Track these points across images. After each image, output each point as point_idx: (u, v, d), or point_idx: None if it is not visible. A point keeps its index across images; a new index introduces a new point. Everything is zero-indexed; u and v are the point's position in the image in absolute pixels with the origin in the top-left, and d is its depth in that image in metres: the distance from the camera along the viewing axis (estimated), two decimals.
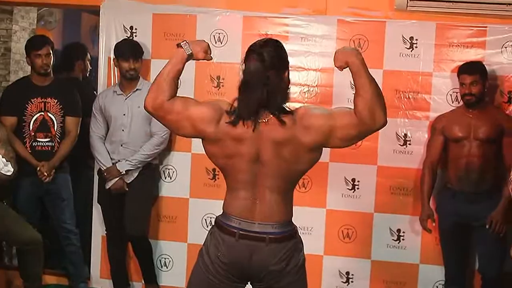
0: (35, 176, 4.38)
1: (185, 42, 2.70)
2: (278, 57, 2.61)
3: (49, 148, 4.46)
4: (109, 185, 4.36)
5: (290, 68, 2.68)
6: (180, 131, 2.71)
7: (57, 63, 4.68)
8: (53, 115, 4.46)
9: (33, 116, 4.44)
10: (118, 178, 4.34)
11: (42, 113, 4.44)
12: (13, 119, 4.42)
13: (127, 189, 4.37)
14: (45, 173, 4.36)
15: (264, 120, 2.56)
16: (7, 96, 4.57)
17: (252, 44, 2.67)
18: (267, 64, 2.56)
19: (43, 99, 4.44)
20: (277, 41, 2.69)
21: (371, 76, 2.55)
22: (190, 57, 2.70)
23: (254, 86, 2.56)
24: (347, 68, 2.58)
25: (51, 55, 4.48)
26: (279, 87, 2.58)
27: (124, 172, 4.32)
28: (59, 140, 4.48)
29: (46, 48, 4.44)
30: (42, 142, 4.44)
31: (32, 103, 4.43)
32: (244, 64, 2.63)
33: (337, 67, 2.61)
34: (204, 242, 2.75)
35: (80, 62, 5.36)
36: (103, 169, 4.37)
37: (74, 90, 4.65)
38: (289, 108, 2.61)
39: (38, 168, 4.35)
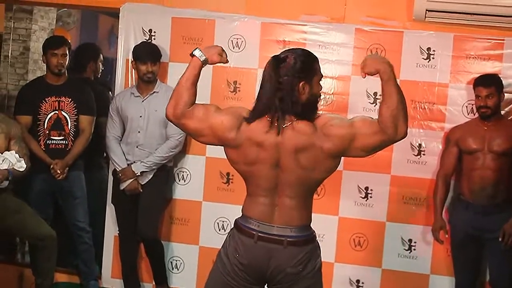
0: (48, 173, 4.44)
1: (197, 49, 2.73)
2: (299, 65, 2.61)
3: (63, 146, 4.50)
4: (123, 186, 4.40)
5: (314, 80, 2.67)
6: (200, 139, 2.75)
7: (70, 63, 4.70)
8: (67, 113, 4.50)
9: (47, 115, 4.49)
10: (132, 180, 4.37)
11: (56, 112, 4.49)
12: (28, 119, 4.48)
13: (141, 190, 4.40)
14: (58, 171, 4.40)
15: (286, 125, 2.58)
16: (22, 96, 4.62)
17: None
18: (284, 69, 2.59)
19: (57, 98, 4.49)
20: (303, 50, 2.73)
21: (399, 86, 2.57)
22: (205, 62, 2.73)
23: (268, 88, 2.61)
24: (371, 76, 2.59)
25: (67, 55, 4.52)
26: (293, 93, 2.58)
27: (139, 173, 4.36)
28: (73, 139, 4.52)
29: (63, 48, 4.49)
30: (56, 140, 4.48)
31: (47, 102, 4.48)
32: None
33: (366, 73, 2.62)
34: (223, 244, 2.78)
35: (92, 64, 5.39)
36: (118, 169, 4.41)
37: (88, 89, 4.70)
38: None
39: (51, 166, 4.40)
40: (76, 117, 4.54)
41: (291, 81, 2.58)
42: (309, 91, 2.62)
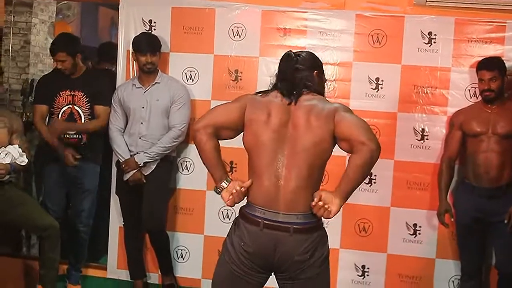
0: (62, 165, 4.45)
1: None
2: (308, 59, 2.87)
3: (76, 140, 4.49)
4: (127, 177, 4.40)
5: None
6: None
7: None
8: (79, 108, 4.48)
9: (61, 109, 4.48)
10: (136, 170, 4.38)
11: (70, 106, 4.48)
12: (45, 108, 4.51)
13: (144, 181, 4.41)
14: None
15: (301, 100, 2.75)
16: (41, 85, 4.65)
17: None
18: (298, 61, 2.83)
19: (71, 92, 4.47)
20: (311, 52, 3.00)
21: (357, 179, 2.67)
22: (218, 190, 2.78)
23: (285, 75, 2.82)
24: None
25: (66, 61, 4.42)
26: (308, 78, 2.81)
27: (142, 164, 4.36)
28: (86, 133, 4.52)
29: (60, 55, 4.42)
30: (69, 134, 4.48)
31: (61, 96, 4.47)
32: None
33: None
34: (228, 233, 2.78)
35: None
36: (121, 161, 4.41)
37: (104, 80, 4.68)
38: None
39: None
40: (90, 110, 4.51)
41: (307, 69, 2.83)
42: (320, 81, 2.87)
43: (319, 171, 2.73)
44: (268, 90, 2.83)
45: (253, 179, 2.72)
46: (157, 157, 4.39)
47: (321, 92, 2.86)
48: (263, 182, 2.68)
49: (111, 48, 5.28)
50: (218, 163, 2.73)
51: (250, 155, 2.75)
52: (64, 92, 4.48)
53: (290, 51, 2.91)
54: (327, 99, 2.89)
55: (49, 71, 4.96)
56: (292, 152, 2.65)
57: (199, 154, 2.76)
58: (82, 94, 4.49)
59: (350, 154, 2.67)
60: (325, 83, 2.98)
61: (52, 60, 5.15)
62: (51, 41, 4.94)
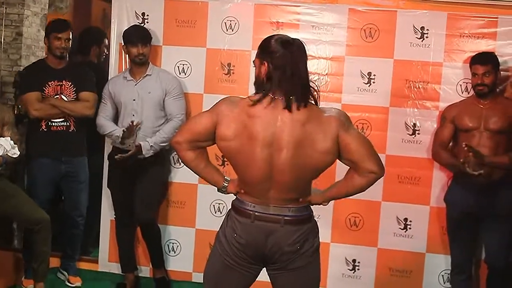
0: (52, 157, 4.44)
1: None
2: (304, 48, 2.61)
3: (64, 128, 4.48)
4: (126, 144, 4.26)
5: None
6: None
7: (73, 47, 4.67)
8: (67, 97, 4.46)
9: (49, 99, 4.46)
10: (135, 150, 4.27)
11: (58, 96, 4.47)
12: (38, 93, 4.43)
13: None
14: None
15: (282, 99, 2.54)
16: (27, 75, 4.61)
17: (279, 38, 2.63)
18: (293, 53, 2.56)
19: (59, 82, 4.46)
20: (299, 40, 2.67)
21: (340, 194, 2.77)
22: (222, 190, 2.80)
23: (285, 69, 2.53)
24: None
25: (70, 40, 4.49)
26: (303, 77, 2.57)
27: (144, 156, 4.32)
28: (74, 120, 4.49)
29: (67, 32, 4.46)
30: (57, 122, 4.46)
31: (50, 86, 4.45)
32: (272, 53, 2.57)
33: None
34: (221, 225, 2.78)
35: (95, 47, 5.36)
36: (117, 136, 4.30)
37: (89, 71, 4.67)
38: (313, 101, 2.59)
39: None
40: (76, 98, 4.49)
41: (302, 59, 2.59)
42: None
43: (313, 176, 2.70)
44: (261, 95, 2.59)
45: (241, 180, 2.72)
46: (158, 148, 4.35)
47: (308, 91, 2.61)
48: (252, 190, 2.67)
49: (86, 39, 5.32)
50: (208, 172, 2.80)
51: (235, 168, 2.74)
52: (52, 82, 4.46)
53: (283, 38, 2.62)
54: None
55: (31, 63, 4.93)
56: (282, 158, 2.56)
57: None
58: (70, 83, 4.48)
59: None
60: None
61: (43, 52, 5.14)
62: (44, 33, 4.92)
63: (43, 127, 4.45)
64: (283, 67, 2.54)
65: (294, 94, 2.53)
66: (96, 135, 4.58)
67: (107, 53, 5.37)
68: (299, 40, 2.62)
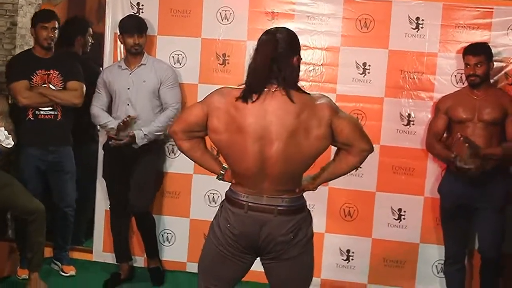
0: (38, 147, 4.43)
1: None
2: (288, 41, 2.61)
3: (52, 117, 4.46)
4: (121, 135, 4.29)
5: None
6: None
7: (58, 38, 4.65)
8: (54, 86, 4.45)
9: (37, 87, 4.45)
10: (128, 139, 4.29)
11: (45, 85, 4.45)
12: (26, 82, 4.41)
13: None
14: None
15: (272, 90, 2.56)
16: (15, 65, 4.57)
17: (267, 29, 2.70)
18: (277, 44, 2.58)
19: (46, 72, 4.45)
20: (290, 30, 2.70)
21: (332, 175, 2.84)
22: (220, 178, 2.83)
23: (263, 62, 2.57)
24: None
25: (57, 30, 4.49)
26: (287, 66, 2.58)
27: (139, 144, 4.32)
28: (61, 109, 4.48)
29: (53, 22, 4.45)
30: (44, 111, 4.44)
31: (37, 75, 4.43)
32: (256, 44, 2.64)
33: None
34: (215, 215, 2.78)
35: (80, 38, 5.31)
36: (112, 128, 4.33)
37: (75, 61, 4.67)
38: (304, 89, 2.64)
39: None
40: (64, 87, 4.48)
41: (287, 55, 2.60)
42: (298, 66, 2.67)
43: (307, 165, 2.70)
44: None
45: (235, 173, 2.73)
46: (152, 138, 4.35)
47: (296, 82, 2.65)
48: (245, 182, 2.68)
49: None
50: (204, 160, 2.82)
51: (226, 160, 2.77)
52: (40, 71, 4.44)
53: (269, 30, 2.68)
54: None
55: (18, 53, 4.91)
56: (274, 149, 2.57)
57: None
58: (57, 73, 4.47)
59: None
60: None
61: None
62: None
63: (30, 115, 4.43)
64: (264, 55, 2.59)
65: (280, 84, 2.56)
66: (89, 124, 4.57)
67: (92, 42, 5.34)
68: (286, 29, 2.67)
